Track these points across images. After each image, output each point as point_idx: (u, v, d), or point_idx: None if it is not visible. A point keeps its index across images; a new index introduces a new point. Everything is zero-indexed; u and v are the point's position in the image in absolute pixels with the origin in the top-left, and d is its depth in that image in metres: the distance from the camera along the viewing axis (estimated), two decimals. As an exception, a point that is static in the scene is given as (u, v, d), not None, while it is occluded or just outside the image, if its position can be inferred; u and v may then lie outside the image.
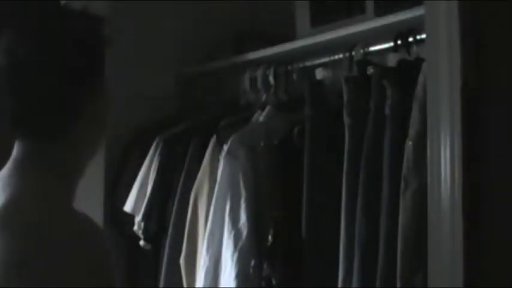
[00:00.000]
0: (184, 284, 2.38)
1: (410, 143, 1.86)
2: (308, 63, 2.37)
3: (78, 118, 1.29)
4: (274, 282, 2.13)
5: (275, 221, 2.16)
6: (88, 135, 1.33)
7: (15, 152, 1.29)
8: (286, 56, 2.47)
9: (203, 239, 2.30)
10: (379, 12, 2.13)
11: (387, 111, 1.95)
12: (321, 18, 2.36)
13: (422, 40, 1.95)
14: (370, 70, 2.07)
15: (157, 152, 2.59)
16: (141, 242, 2.55)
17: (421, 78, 1.87)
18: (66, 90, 1.26)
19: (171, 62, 2.87)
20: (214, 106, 2.71)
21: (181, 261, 2.38)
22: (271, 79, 2.48)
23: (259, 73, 2.53)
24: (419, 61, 1.93)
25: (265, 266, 2.15)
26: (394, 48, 2.05)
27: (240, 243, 2.18)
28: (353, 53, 2.17)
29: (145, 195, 2.57)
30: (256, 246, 2.18)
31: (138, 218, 2.56)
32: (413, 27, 1.99)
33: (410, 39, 2.01)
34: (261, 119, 2.39)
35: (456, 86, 1.68)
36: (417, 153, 1.83)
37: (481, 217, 1.66)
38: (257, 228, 2.19)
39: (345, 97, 2.06)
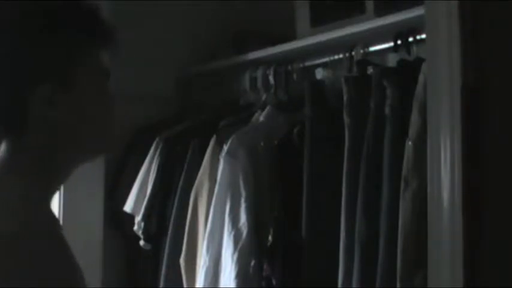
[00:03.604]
0: (184, 284, 2.38)
1: (410, 143, 1.86)
2: (308, 63, 2.37)
3: (30, 121, 1.21)
4: (274, 282, 2.13)
5: (275, 221, 2.16)
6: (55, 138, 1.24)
7: None
8: (286, 56, 2.47)
9: (203, 239, 2.30)
10: (379, 12, 2.13)
11: (387, 111, 1.95)
12: (321, 18, 2.36)
13: (422, 40, 1.95)
14: (370, 70, 2.07)
15: (157, 152, 2.59)
16: (141, 242, 2.56)
17: (421, 78, 1.87)
18: (11, 90, 1.21)
19: (171, 62, 2.87)
20: (214, 106, 2.71)
21: (181, 261, 2.38)
22: (271, 79, 2.48)
23: (259, 73, 2.53)
24: (419, 61, 1.93)
25: (265, 266, 2.15)
26: (394, 48, 2.05)
27: (240, 243, 2.18)
28: (353, 53, 2.17)
29: (145, 195, 2.57)
30: (256, 246, 2.18)
31: (138, 218, 2.56)
32: (413, 27, 1.99)
33: (410, 39, 2.01)
34: (261, 119, 2.38)
35: (456, 86, 1.68)
36: (417, 153, 1.83)
37: (481, 217, 1.66)
38: (257, 228, 2.20)
39: (345, 97, 2.06)
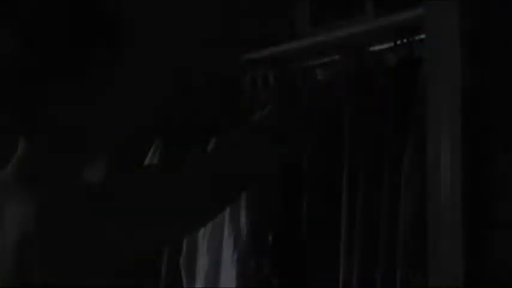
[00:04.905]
0: (184, 284, 2.38)
1: (410, 142, 1.86)
2: (308, 63, 2.37)
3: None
4: (274, 282, 2.13)
5: (275, 221, 2.16)
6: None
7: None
8: (286, 56, 2.47)
9: (203, 239, 2.30)
10: (379, 12, 2.13)
11: (387, 111, 1.95)
12: (321, 18, 2.36)
13: (422, 40, 1.95)
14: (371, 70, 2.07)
15: (157, 152, 2.59)
16: (141, 242, 2.55)
17: (421, 78, 1.87)
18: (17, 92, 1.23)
19: (171, 62, 2.86)
20: (215, 106, 2.71)
21: (181, 261, 2.38)
22: (271, 79, 2.48)
23: (259, 73, 2.53)
24: (419, 61, 1.93)
25: (265, 266, 2.15)
26: (394, 48, 2.05)
27: (240, 243, 2.18)
28: (353, 53, 2.17)
29: (145, 195, 2.56)
30: (256, 246, 2.18)
31: (138, 218, 2.56)
32: (413, 27, 1.99)
33: (411, 39, 2.01)
34: (261, 119, 2.38)
35: (456, 86, 1.68)
36: (417, 153, 1.83)
37: (481, 217, 1.66)
38: (257, 228, 2.19)
39: (345, 97, 2.06)
